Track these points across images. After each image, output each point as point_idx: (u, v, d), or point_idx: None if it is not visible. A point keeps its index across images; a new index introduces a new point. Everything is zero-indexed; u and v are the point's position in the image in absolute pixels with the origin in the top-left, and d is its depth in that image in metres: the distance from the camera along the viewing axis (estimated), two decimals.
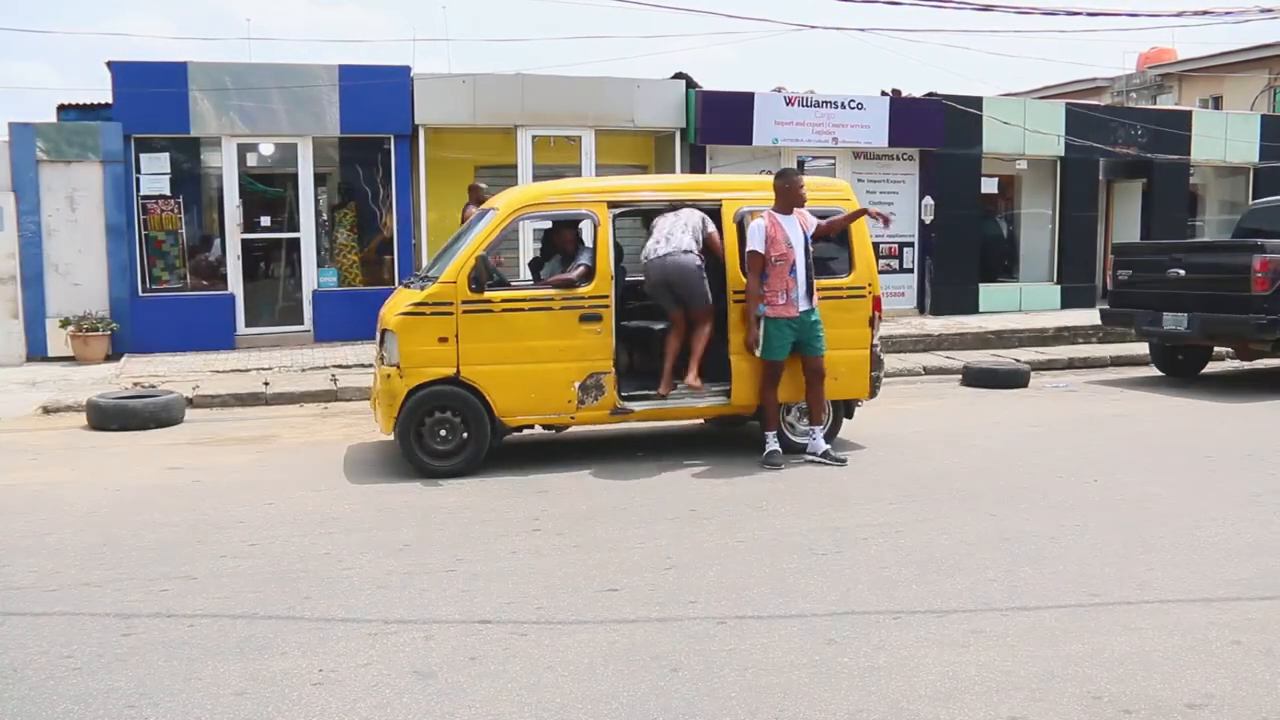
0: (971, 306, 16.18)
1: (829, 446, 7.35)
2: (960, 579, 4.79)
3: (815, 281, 7.25)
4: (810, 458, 7.30)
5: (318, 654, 3.99)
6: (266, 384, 10.69)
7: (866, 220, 7.58)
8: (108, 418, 8.93)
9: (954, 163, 15.96)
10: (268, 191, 14.08)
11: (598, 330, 7.18)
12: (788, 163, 15.29)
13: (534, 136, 14.18)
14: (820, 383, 7.31)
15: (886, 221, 7.26)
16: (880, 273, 8.46)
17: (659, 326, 7.89)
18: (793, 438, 7.55)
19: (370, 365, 9.04)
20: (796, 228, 7.13)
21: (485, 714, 3.49)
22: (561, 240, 7.81)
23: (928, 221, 16.00)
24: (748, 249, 7.15)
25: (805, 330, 7.16)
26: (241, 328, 13.49)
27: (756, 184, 8.41)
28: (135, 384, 10.56)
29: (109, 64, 12.91)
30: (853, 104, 15.38)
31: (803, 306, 7.12)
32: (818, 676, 3.73)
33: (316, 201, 13.88)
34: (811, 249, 7.22)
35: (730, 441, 8.03)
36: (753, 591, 4.65)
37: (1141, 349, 12.30)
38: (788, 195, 7.18)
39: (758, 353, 7.21)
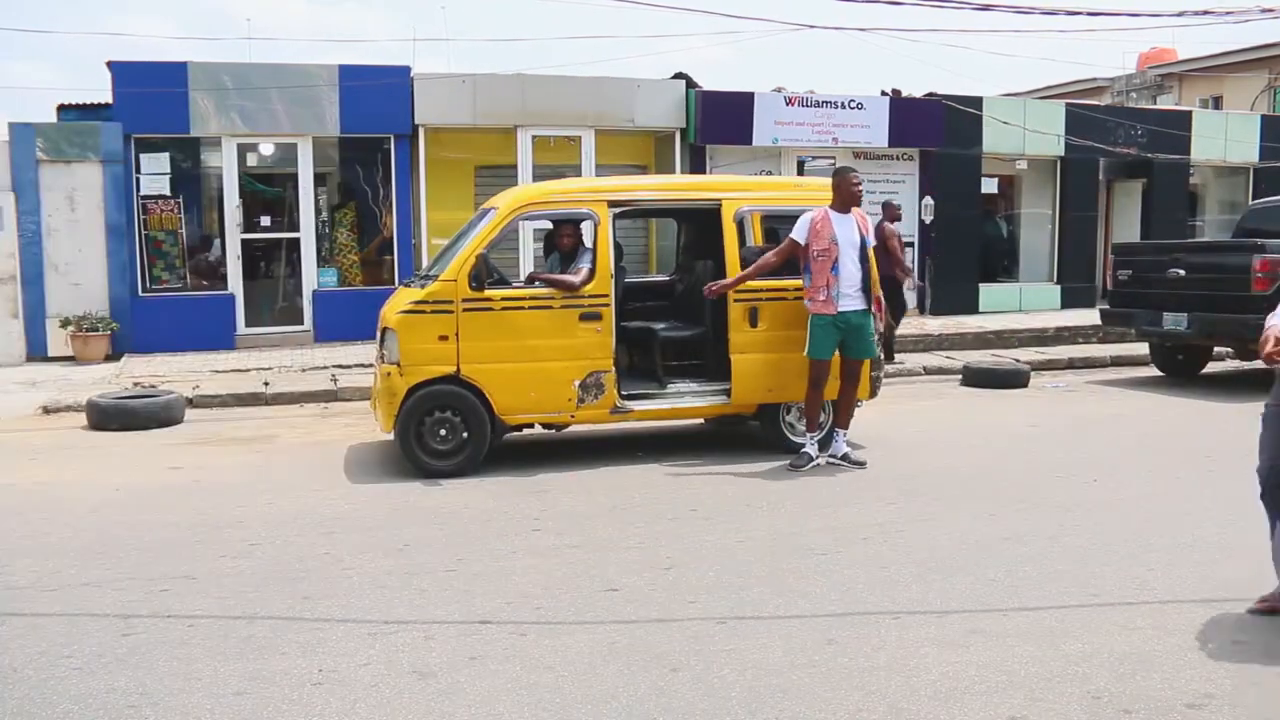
0: (971, 306, 16.18)
1: (847, 448, 7.27)
2: (960, 579, 4.79)
3: (871, 287, 7.13)
4: (832, 459, 7.21)
5: (318, 654, 3.99)
6: (266, 384, 10.69)
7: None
8: (108, 418, 8.92)
9: (954, 163, 15.95)
10: (267, 191, 14.08)
11: (598, 329, 7.18)
12: (788, 163, 15.31)
13: (534, 136, 14.18)
14: (852, 387, 7.27)
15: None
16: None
17: (659, 326, 7.90)
18: (791, 437, 7.55)
19: (370, 365, 9.05)
20: (852, 227, 7.06)
21: (485, 714, 3.49)
22: (561, 240, 7.79)
23: (928, 221, 16.00)
24: (790, 236, 7.16)
25: (851, 331, 7.10)
26: (241, 328, 13.49)
27: (757, 184, 8.44)
28: (135, 384, 10.56)
29: (109, 64, 12.91)
30: (853, 104, 15.38)
31: (848, 306, 7.03)
32: (818, 676, 3.72)
33: (316, 201, 13.89)
34: (871, 254, 7.14)
35: (730, 441, 8.03)
36: (753, 591, 4.65)
37: (1141, 349, 12.30)
38: (839, 192, 7.12)
39: (805, 352, 7.15)
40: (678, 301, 8.53)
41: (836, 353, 7.15)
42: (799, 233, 7.07)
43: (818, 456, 7.18)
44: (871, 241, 7.21)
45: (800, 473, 7.01)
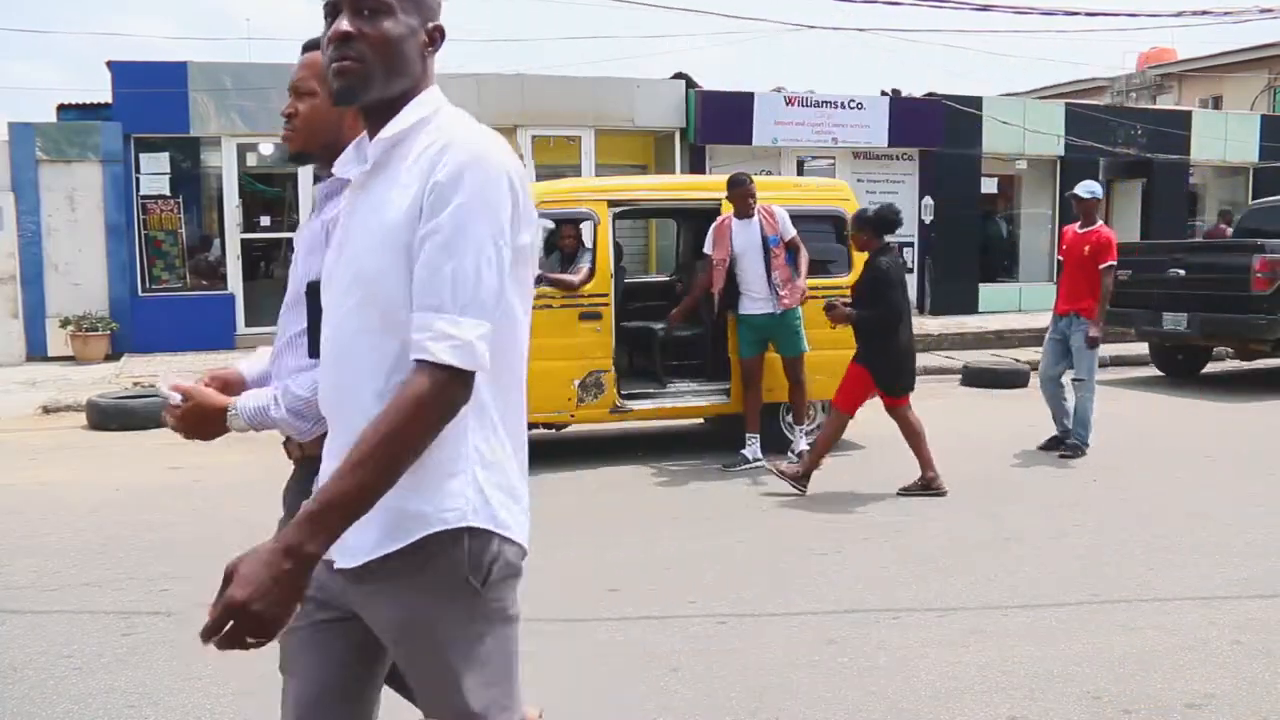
0: (971, 306, 16.18)
1: (803, 445, 7.14)
2: (960, 579, 4.79)
3: (796, 282, 7.03)
4: (789, 456, 7.16)
5: None
6: None
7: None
8: (108, 417, 8.92)
9: (954, 163, 15.96)
10: (267, 191, 14.08)
11: (597, 328, 7.19)
12: (788, 163, 15.32)
13: (534, 136, 14.19)
14: (796, 387, 7.20)
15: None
16: None
17: (659, 326, 7.90)
18: (790, 437, 7.55)
19: None
20: (753, 230, 7.02)
21: None
22: (562, 240, 7.79)
23: (928, 221, 16.01)
24: (705, 253, 7.27)
25: (773, 331, 7.11)
26: (241, 327, 13.49)
27: (756, 184, 8.43)
28: (135, 384, 10.55)
29: (109, 64, 12.91)
30: (853, 104, 15.38)
31: (751, 310, 7.06)
32: (818, 676, 3.72)
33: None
34: (776, 251, 7.00)
35: (730, 441, 8.02)
36: (753, 591, 4.65)
37: (1141, 349, 12.30)
38: (736, 201, 7.08)
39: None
40: (678, 301, 8.52)
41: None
42: (708, 246, 7.19)
43: (755, 459, 7.15)
44: (782, 236, 7.03)
45: (740, 473, 6.97)
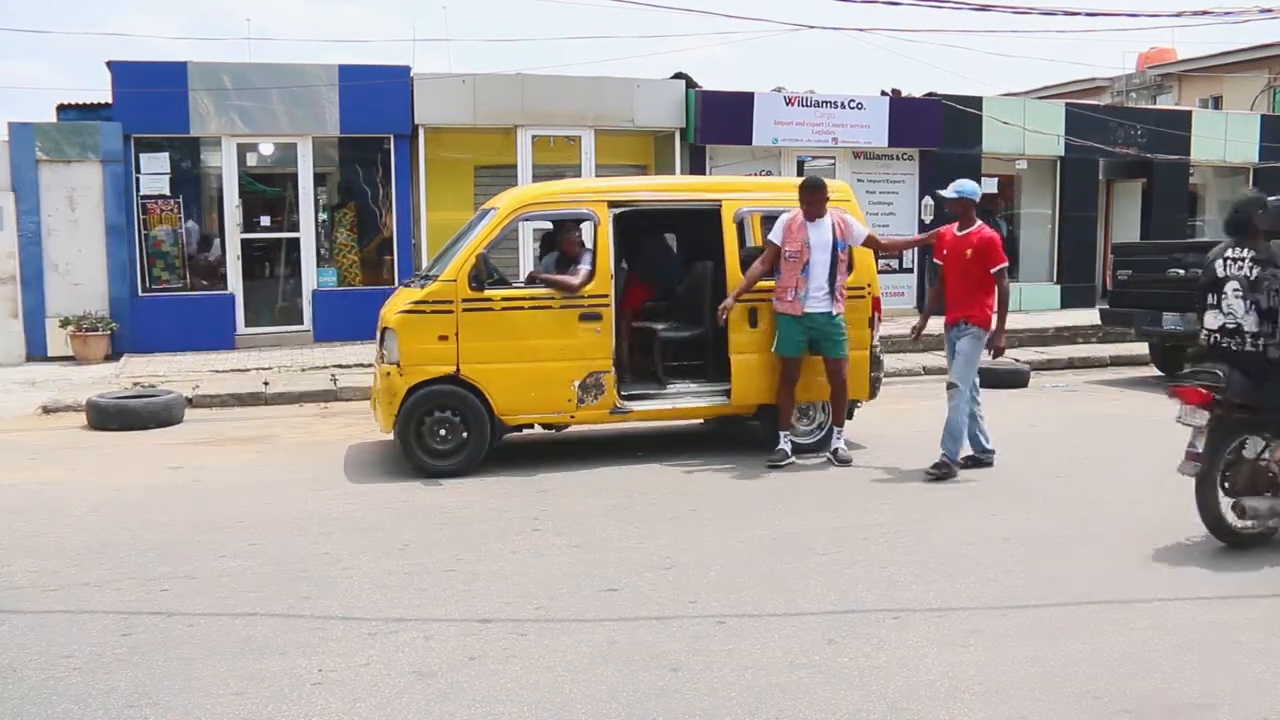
0: None
1: (840, 445, 7.35)
2: (960, 579, 4.79)
3: (837, 288, 7.14)
4: (828, 456, 7.35)
5: (318, 654, 3.99)
6: (266, 384, 10.68)
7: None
8: (108, 418, 8.92)
9: (954, 163, 15.92)
10: (267, 191, 14.08)
11: (597, 329, 7.18)
12: (788, 163, 15.31)
13: (534, 136, 14.18)
14: (839, 385, 7.31)
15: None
16: (880, 273, 8.46)
17: (659, 326, 7.90)
18: (793, 438, 7.56)
19: (370, 365, 9.05)
20: (825, 230, 7.10)
21: (485, 714, 3.49)
22: (564, 242, 7.77)
23: (927, 221, 15.99)
24: (769, 239, 7.26)
25: (819, 331, 7.16)
26: (241, 328, 13.49)
27: (757, 185, 8.44)
28: (135, 384, 10.55)
29: (109, 64, 12.91)
30: (853, 104, 15.38)
31: (815, 308, 7.09)
32: (818, 676, 3.73)
33: (316, 201, 13.88)
34: (842, 256, 7.16)
35: (730, 441, 8.03)
36: (753, 591, 4.65)
37: (1141, 349, 12.30)
38: (813, 205, 7.13)
39: (773, 348, 7.24)
40: (678, 301, 8.53)
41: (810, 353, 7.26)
42: (776, 235, 7.16)
43: (793, 454, 7.24)
44: (848, 243, 7.21)
45: (794, 471, 7.02)
